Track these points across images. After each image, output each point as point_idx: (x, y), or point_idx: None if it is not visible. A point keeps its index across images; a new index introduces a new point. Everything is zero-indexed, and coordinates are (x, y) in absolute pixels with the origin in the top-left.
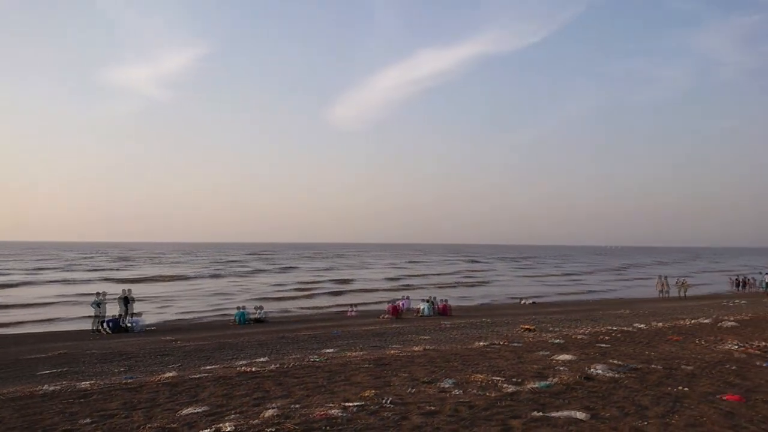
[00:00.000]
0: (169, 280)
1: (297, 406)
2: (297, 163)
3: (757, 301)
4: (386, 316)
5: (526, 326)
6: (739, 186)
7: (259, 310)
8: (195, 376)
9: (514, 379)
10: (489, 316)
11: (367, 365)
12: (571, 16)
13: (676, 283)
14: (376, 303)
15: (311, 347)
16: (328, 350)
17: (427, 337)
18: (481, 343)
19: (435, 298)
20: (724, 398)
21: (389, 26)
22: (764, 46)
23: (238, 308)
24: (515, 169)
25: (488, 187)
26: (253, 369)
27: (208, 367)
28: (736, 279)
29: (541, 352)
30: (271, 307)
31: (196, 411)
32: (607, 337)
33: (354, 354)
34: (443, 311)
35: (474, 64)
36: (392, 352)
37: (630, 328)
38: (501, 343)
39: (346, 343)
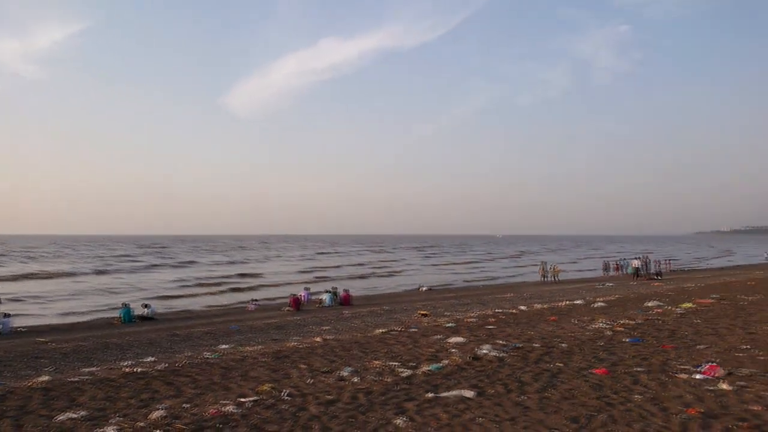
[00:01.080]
0: (47, 277)
1: (188, 405)
2: (187, 150)
3: (624, 284)
4: (287, 308)
5: (423, 312)
6: (616, 179)
7: (147, 308)
8: (73, 380)
9: (411, 363)
10: (389, 303)
11: (265, 359)
12: (468, 16)
13: (549, 269)
14: (282, 297)
15: (205, 344)
16: (223, 346)
17: (327, 328)
18: (380, 331)
19: (336, 288)
20: (594, 372)
21: (291, 12)
22: (634, 52)
23: (123, 305)
24: (410, 162)
25: (383, 178)
26: (140, 369)
27: (89, 369)
28: (605, 263)
29: (435, 336)
30: (166, 305)
31: (74, 416)
32: (493, 320)
33: (252, 348)
34: (345, 301)
35: (375, 57)
36: (292, 344)
37: (514, 311)
38: (399, 329)
39: (244, 337)
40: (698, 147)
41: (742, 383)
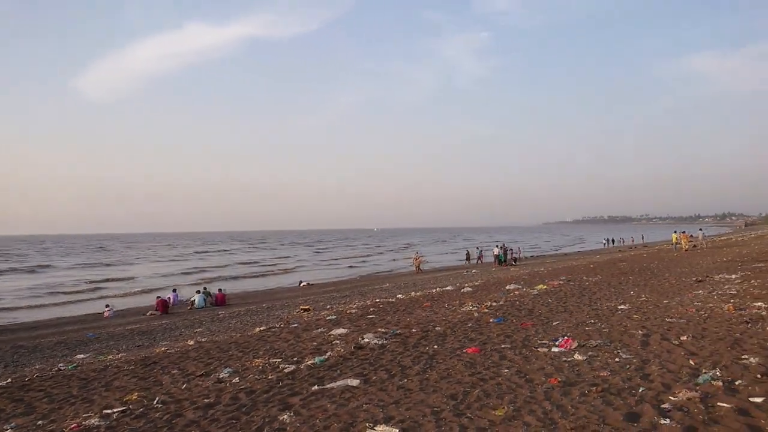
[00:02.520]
0: None
1: (43, 422)
2: (35, 135)
3: (487, 270)
4: (152, 312)
5: (304, 307)
6: (476, 178)
7: None
8: None
9: (294, 359)
10: (268, 301)
11: (130, 367)
12: (340, 13)
13: (414, 258)
14: (146, 302)
15: (59, 354)
16: (80, 356)
17: (200, 329)
18: (260, 329)
19: (208, 288)
20: (467, 351)
21: None
22: (493, 59)
23: None
24: (283, 154)
25: (250, 169)
26: None
27: None
28: (467, 252)
29: (318, 330)
30: (10, 316)
31: None
32: (373, 309)
33: (114, 357)
34: (219, 301)
35: (245, 46)
36: (161, 349)
37: (393, 299)
38: (280, 325)
39: (103, 346)
40: (544, 148)
41: (591, 353)
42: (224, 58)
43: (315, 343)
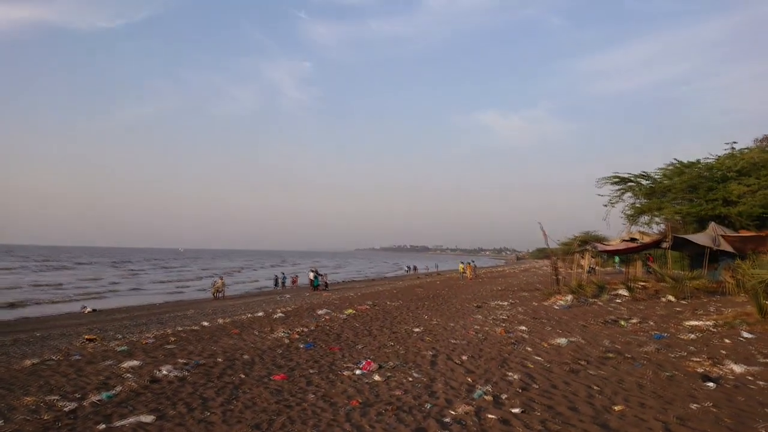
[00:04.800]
0: None
1: None
2: None
3: (301, 294)
4: None
5: (89, 337)
6: (291, 200)
7: None
8: None
9: (75, 395)
10: (42, 329)
11: None
12: (153, 15)
13: (213, 284)
14: None
15: None
16: None
17: None
18: (31, 361)
19: None
20: (274, 378)
21: None
22: (313, 87)
23: None
24: (75, 160)
25: (33, 176)
26: None
27: None
28: (275, 277)
29: (105, 362)
30: None
31: None
32: (174, 338)
33: None
34: None
35: (34, 31)
36: None
37: (196, 327)
38: (57, 358)
39: None
40: (354, 177)
41: (389, 374)
42: (3, 42)
43: (101, 377)
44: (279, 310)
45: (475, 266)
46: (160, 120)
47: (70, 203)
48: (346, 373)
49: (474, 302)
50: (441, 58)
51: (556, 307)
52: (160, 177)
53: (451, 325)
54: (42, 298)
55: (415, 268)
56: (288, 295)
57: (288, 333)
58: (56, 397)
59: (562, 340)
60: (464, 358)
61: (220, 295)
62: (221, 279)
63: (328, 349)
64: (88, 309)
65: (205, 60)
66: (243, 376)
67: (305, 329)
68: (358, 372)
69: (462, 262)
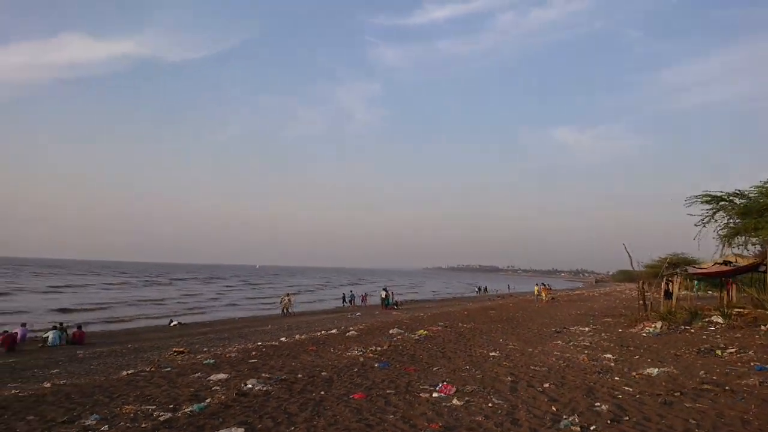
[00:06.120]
0: None
1: None
2: None
3: (370, 313)
4: None
5: (177, 349)
6: (365, 219)
7: None
8: None
9: (170, 406)
10: (134, 341)
11: None
12: (234, 46)
13: (281, 300)
14: None
15: None
16: None
17: (57, 371)
18: (127, 372)
19: (62, 324)
20: (353, 397)
21: None
22: (382, 109)
23: None
24: (157, 182)
25: (123, 196)
26: None
27: None
28: (343, 295)
29: (194, 375)
30: None
31: None
32: (255, 353)
33: None
34: (78, 339)
35: (129, 64)
36: (11, 392)
37: (276, 342)
38: (150, 369)
39: None
40: (421, 195)
41: (468, 398)
42: (101, 75)
43: (192, 389)
44: (351, 328)
45: (551, 288)
46: (241, 142)
47: (159, 223)
48: (423, 395)
49: (552, 327)
50: (509, 76)
51: (644, 334)
52: (237, 197)
53: (530, 350)
54: (136, 313)
55: (485, 289)
56: (359, 313)
57: (362, 351)
58: (153, 407)
59: (653, 370)
60: (546, 385)
61: (289, 311)
62: (288, 295)
63: (403, 369)
64: (175, 323)
65: (281, 86)
66: (323, 392)
67: (379, 348)
68: (435, 395)
69: (537, 284)
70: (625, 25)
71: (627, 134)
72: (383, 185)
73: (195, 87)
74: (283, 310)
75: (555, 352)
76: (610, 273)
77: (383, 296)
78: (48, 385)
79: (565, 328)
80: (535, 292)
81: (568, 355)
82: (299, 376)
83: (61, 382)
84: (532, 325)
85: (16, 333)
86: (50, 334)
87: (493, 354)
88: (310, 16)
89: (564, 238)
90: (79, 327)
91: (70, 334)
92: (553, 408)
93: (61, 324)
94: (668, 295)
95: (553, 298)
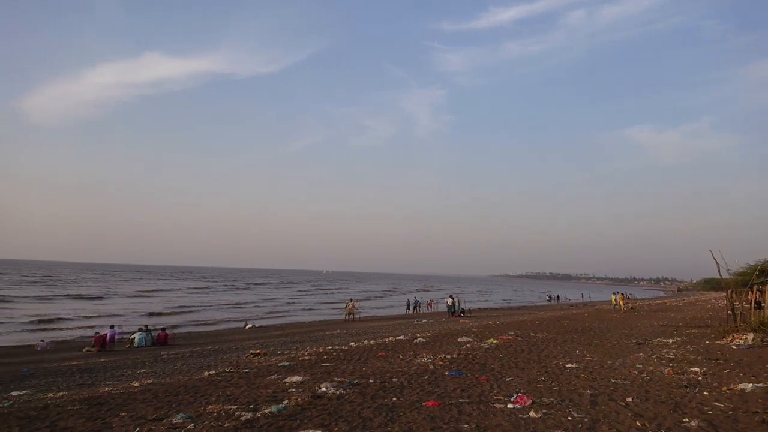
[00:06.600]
0: None
1: None
2: None
3: (437, 320)
4: (90, 348)
5: (255, 351)
6: (431, 224)
7: None
8: None
9: (250, 406)
10: (213, 343)
11: (75, 407)
12: (303, 59)
13: (346, 306)
14: (84, 336)
15: None
16: (16, 392)
17: (144, 370)
18: (209, 372)
19: (147, 326)
20: (425, 404)
21: (113, 19)
22: (446, 114)
23: None
24: (227, 191)
25: (201, 206)
26: None
27: None
28: (408, 301)
29: (271, 377)
30: None
31: None
32: (327, 357)
33: (55, 395)
34: (161, 341)
35: (206, 80)
36: (105, 389)
37: (346, 347)
38: (230, 370)
39: (42, 382)
40: (488, 204)
41: (545, 411)
42: (180, 92)
43: (270, 391)
44: (419, 335)
45: (629, 297)
46: (311, 152)
47: (234, 229)
48: (498, 405)
49: (632, 338)
50: (581, 75)
51: (734, 347)
52: (304, 205)
53: (609, 362)
54: (217, 317)
55: (557, 298)
56: (425, 320)
57: (431, 359)
58: (234, 407)
59: (747, 385)
60: (629, 399)
61: (353, 316)
62: (351, 301)
63: (474, 378)
64: (249, 325)
65: (348, 96)
66: (395, 399)
67: (448, 356)
68: (510, 405)
69: (614, 293)
70: (707, 19)
71: (711, 132)
72: (448, 192)
73: (265, 100)
74: (346, 315)
75: (637, 365)
76: (694, 281)
77: (449, 303)
78: (137, 384)
79: (646, 339)
80: (612, 301)
81: (651, 368)
82: (371, 381)
83: (149, 381)
84: (611, 336)
85: (106, 334)
86: (136, 336)
87: (569, 365)
88: (375, 25)
89: (642, 244)
90: (163, 329)
91: (154, 336)
92: (638, 423)
93: (146, 326)
94: (759, 305)
95: (631, 308)
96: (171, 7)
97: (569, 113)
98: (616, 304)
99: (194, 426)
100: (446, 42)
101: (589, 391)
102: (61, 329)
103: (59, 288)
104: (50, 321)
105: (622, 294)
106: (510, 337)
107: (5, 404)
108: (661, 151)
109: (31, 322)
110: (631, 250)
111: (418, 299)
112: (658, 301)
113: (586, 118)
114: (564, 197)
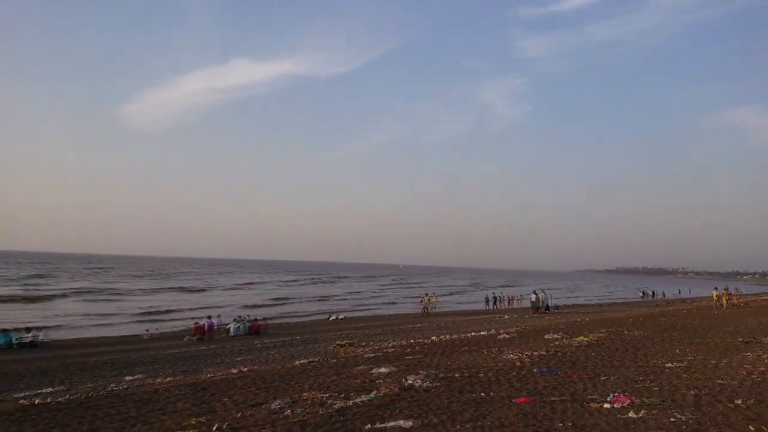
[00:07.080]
0: None
1: None
2: (74, 161)
3: (521, 316)
4: (190, 337)
5: (341, 342)
6: (500, 216)
7: (34, 333)
8: None
9: (341, 395)
10: (302, 333)
11: (181, 392)
12: (379, 56)
13: (421, 300)
14: (182, 326)
15: (107, 374)
16: (129, 377)
17: (241, 358)
18: (301, 362)
19: (241, 316)
20: (515, 401)
21: (202, 28)
22: (526, 104)
23: (1, 331)
24: (308, 187)
25: (286, 204)
26: (39, 401)
27: None
28: (486, 297)
29: (358, 367)
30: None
31: None
32: (409, 350)
33: (162, 380)
34: (255, 331)
35: (287, 83)
36: (207, 376)
37: (427, 341)
38: (319, 360)
39: (149, 368)
40: (571, 196)
41: (645, 411)
42: (265, 94)
43: (358, 381)
44: (503, 331)
45: (732, 293)
46: (386, 149)
47: (304, 224)
48: (593, 404)
49: (739, 337)
50: (671, 57)
51: None
52: (374, 201)
53: (713, 362)
54: (305, 309)
55: (652, 294)
56: (507, 316)
57: (518, 355)
58: (326, 395)
59: None
60: (738, 401)
61: (430, 310)
62: (426, 295)
63: (566, 376)
64: (334, 317)
65: (423, 90)
66: (483, 394)
67: (535, 353)
68: (607, 405)
69: (716, 288)
70: None
71: None
72: (528, 184)
73: (343, 98)
74: (423, 310)
75: (745, 365)
76: None
77: (533, 299)
78: (235, 371)
79: (755, 338)
80: (714, 297)
81: (762, 368)
82: (457, 375)
83: (245, 368)
84: (713, 335)
85: (205, 324)
86: (232, 326)
87: (669, 365)
88: (453, 16)
89: (745, 234)
90: (257, 320)
91: (247, 326)
92: (751, 427)
93: (240, 317)
94: None
95: (734, 305)
96: (253, 14)
97: (659, 96)
98: (718, 301)
99: (291, 412)
100: (526, 27)
101: (692, 392)
102: (165, 321)
103: (164, 281)
104: (158, 312)
105: (725, 289)
106: (601, 334)
107: (122, 387)
108: (765, 132)
109: (142, 314)
110: (731, 242)
111: (497, 295)
112: (765, 297)
113: (678, 101)
114: (660, 187)
